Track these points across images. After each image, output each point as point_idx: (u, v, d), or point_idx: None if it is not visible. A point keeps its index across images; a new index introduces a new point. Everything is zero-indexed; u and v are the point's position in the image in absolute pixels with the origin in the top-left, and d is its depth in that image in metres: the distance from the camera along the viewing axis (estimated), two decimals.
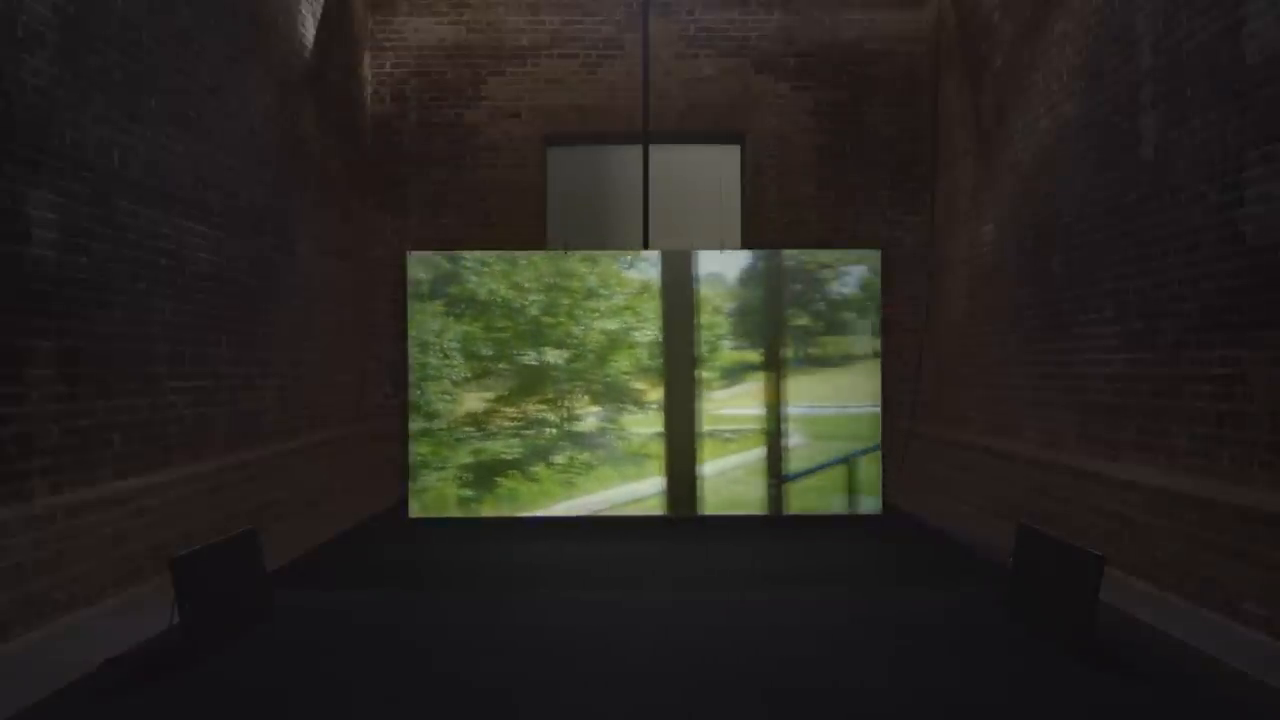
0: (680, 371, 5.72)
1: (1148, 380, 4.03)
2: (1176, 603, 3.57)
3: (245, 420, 4.94)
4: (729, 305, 5.88)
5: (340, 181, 6.60)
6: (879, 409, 5.73)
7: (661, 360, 5.74)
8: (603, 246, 7.10)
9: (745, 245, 7.26)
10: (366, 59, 7.25)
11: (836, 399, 5.69)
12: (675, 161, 7.39)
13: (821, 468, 5.60)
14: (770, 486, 5.65)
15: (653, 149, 6.95)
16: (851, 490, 5.65)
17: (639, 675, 3.04)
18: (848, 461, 5.63)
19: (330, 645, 3.40)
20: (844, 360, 5.75)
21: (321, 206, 6.19)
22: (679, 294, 5.85)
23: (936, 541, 5.38)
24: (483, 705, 2.80)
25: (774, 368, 5.70)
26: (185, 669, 3.04)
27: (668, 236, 7.14)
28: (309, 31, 5.97)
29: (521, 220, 7.25)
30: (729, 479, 5.68)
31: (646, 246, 6.79)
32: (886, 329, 6.40)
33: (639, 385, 5.74)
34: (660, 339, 5.77)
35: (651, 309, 5.79)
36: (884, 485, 6.16)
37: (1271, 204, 3.25)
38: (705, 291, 5.86)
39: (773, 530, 5.67)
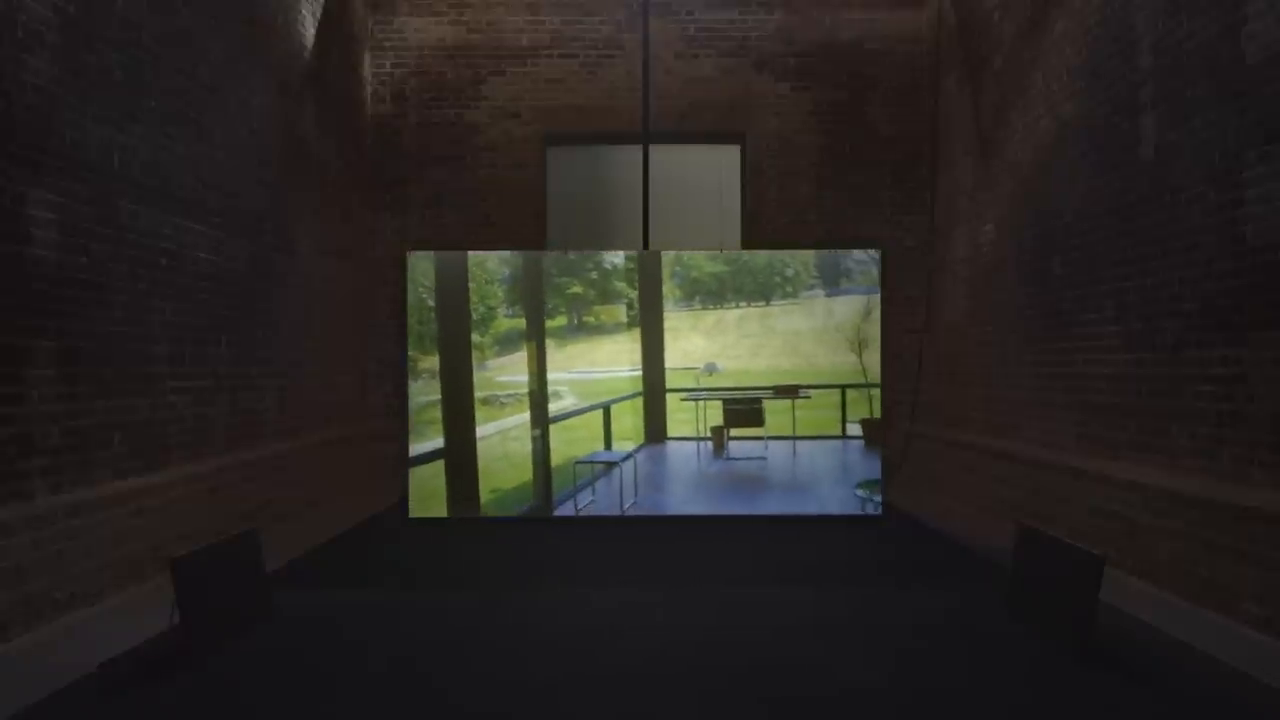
0: (456, 339, 5.99)
1: (1148, 380, 4.03)
2: (1176, 603, 3.57)
3: (245, 420, 4.94)
4: (503, 273, 6.09)
5: (340, 181, 6.60)
6: (638, 371, 6.09)
7: (436, 326, 6.01)
8: (603, 247, 7.10)
9: (746, 246, 7.26)
10: (366, 59, 7.25)
11: (602, 364, 6.10)
12: (675, 161, 7.39)
13: (577, 412, 6.04)
14: (534, 438, 5.96)
15: (653, 149, 6.94)
16: (607, 433, 6.06)
17: (638, 677, 3.04)
18: (606, 408, 6.07)
19: (329, 645, 3.40)
20: (615, 328, 6.13)
21: (321, 206, 6.19)
22: (450, 265, 6.03)
23: (936, 541, 5.38)
24: (481, 706, 2.80)
25: (538, 336, 6.06)
26: (185, 669, 3.04)
27: (668, 237, 7.14)
28: (309, 31, 5.97)
29: (521, 220, 7.25)
30: (508, 437, 6.01)
31: (647, 247, 6.79)
32: (886, 329, 6.40)
33: (412, 353, 6.00)
34: (433, 305, 6.00)
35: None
36: (884, 485, 6.17)
37: (1271, 204, 3.24)
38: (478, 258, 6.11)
39: (772, 530, 5.67)
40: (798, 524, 5.87)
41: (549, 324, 6.06)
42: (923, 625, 3.60)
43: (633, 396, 6.01)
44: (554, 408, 6.02)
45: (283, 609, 3.76)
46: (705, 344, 6.12)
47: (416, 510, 5.86)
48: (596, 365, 6.03)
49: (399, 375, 6.64)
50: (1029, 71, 5.32)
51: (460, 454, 5.85)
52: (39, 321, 3.25)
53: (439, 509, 5.83)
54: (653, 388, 6.01)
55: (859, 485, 5.99)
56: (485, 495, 5.86)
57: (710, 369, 6.02)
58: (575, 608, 3.88)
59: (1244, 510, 3.24)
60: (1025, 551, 3.72)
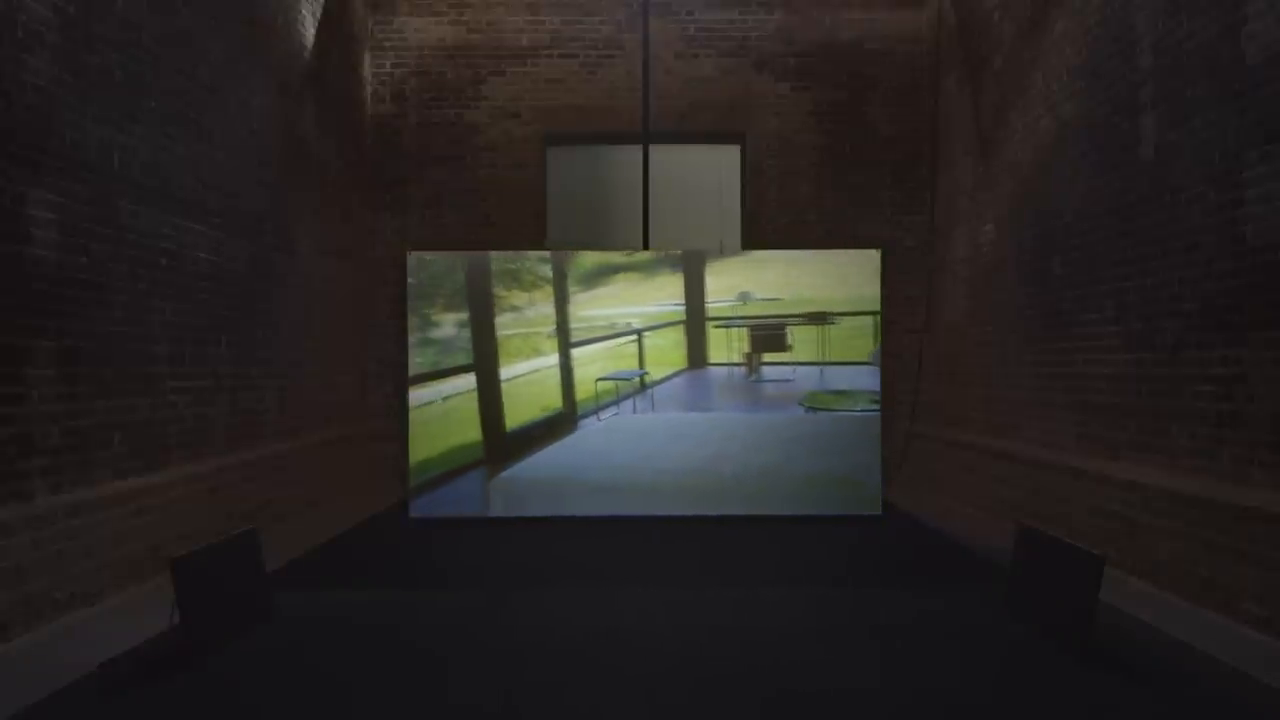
0: (479, 290, 6.45)
1: (1148, 380, 4.03)
2: (1176, 603, 3.57)
3: (245, 420, 4.94)
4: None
5: (340, 181, 6.60)
6: (681, 305, 6.55)
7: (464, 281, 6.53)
8: (603, 246, 7.10)
9: (746, 246, 7.26)
10: (366, 59, 7.25)
11: (665, 298, 6.61)
12: (675, 161, 7.39)
13: (593, 340, 6.47)
14: (560, 366, 6.41)
15: (653, 149, 6.95)
16: (641, 357, 6.55)
17: (639, 676, 3.04)
18: (639, 335, 6.54)
19: (330, 645, 3.40)
20: (675, 262, 6.58)
21: (321, 206, 6.19)
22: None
23: (936, 541, 5.38)
24: (483, 706, 2.80)
25: (561, 280, 6.51)
26: (185, 669, 3.04)
27: (668, 237, 7.14)
28: (309, 31, 5.97)
29: (521, 220, 7.26)
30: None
31: (647, 246, 6.79)
32: (886, 329, 6.40)
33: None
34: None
35: None
36: (884, 485, 6.18)
37: (1271, 204, 3.25)
38: None
39: (772, 530, 5.67)
40: (797, 523, 5.87)
41: (638, 258, 6.54)
42: (922, 625, 3.60)
43: (667, 325, 6.47)
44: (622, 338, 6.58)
45: (283, 609, 3.76)
46: (785, 273, 6.42)
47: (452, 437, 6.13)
48: (661, 300, 6.50)
49: (399, 375, 6.64)
50: (1029, 71, 5.32)
51: (489, 388, 6.31)
52: (39, 321, 3.25)
53: (474, 434, 6.25)
54: (695, 317, 6.48)
55: (805, 399, 6.33)
56: (538, 412, 6.35)
57: (744, 298, 6.34)
58: (575, 607, 3.88)
59: (1244, 510, 3.24)
60: (1025, 551, 3.72)
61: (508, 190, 7.27)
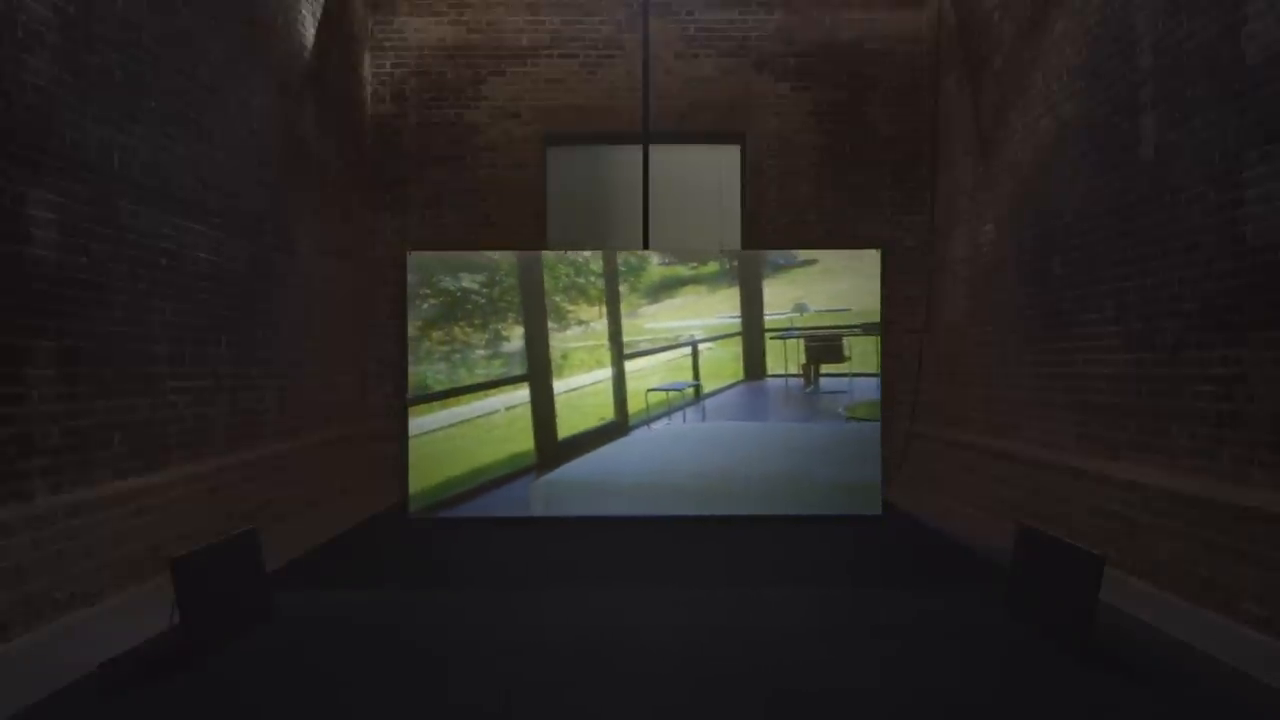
0: (534, 304, 6.55)
1: (1148, 380, 4.03)
2: (1176, 603, 3.57)
3: (245, 420, 4.94)
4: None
5: (340, 181, 6.60)
6: (737, 317, 6.60)
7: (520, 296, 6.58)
8: (603, 246, 7.10)
9: (745, 246, 7.26)
10: (366, 59, 7.25)
11: (724, 310, 6.70)
12: (675, 161, 7.39)
13: (649, 352, 6.54)
14: (613, 377, 6.53)
15: (653, 149, 6.95)
16: (695, 368, 6.65)
17: (640, 676, 3.04)
18: (694, 346, 6.61)
19: (330, 645, 3.40)
20: (733, 274, 6.65)
21: (321, 206, 6.19)
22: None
23: (936, 541, 5.38)
24: (484, 706, 2.80)
25: (613, 291, 6.56)
26: (185, 669, 3.04)
27: (668, 236, 7.14)
28: (309, 31, 5.97)
29: (521, 220, 7.26)
30: (632, 376, 6.53)
31: (647, 247, 6.79)
32: (886, 329, 6.40)
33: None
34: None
35: None
36: (884, 485, 6.17)
37: (1271, 204, 3.25)
38: None
39: (771, 530, 5.67)
40: (799, 523, 5.87)
41: (703, 270, 6.51)
42: (922, 625, 3.60)
43: (724, 337, 6.49)
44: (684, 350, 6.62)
45: (283, 609, 3.76)
46: (851, 285, 6.39)
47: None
48: (724, 312, 6.52)
49: (399, 375, 6.64)
50: (1029, 71, 5.32)
51: (543, 402, 6.33)
52: (39, 321, 3.25)
53: (526, 443, 6.29)
54: (753, 329, 6.48)
55: (847, 408, 6.33)
56: (592, 422, 6.36)
57: (801, 309, 6.33)
58: (575, 607, 3.88)
59: (1244, 510, 3.24)
60: (1025, 551, 3.72)
61: (508, 190, 7.27)
